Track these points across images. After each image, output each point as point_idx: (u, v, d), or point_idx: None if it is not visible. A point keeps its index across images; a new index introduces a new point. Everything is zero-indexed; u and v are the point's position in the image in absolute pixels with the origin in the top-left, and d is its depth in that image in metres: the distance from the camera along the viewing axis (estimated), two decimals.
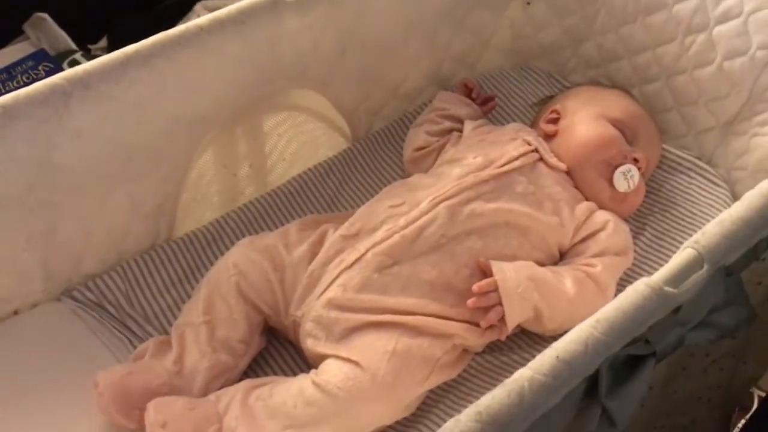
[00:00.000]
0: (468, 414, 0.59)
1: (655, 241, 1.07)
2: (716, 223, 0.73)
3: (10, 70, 1.56)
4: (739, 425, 1.27)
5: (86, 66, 0.89)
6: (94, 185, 0.96)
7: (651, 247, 1.07)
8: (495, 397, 0.59)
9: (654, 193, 1.12)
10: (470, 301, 0.88)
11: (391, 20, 1.16)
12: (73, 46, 1.59)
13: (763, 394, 1.33)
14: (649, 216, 1.10)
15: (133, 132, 0.95)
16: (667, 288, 0.68)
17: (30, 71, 1.57)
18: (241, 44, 0.99)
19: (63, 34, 1.58)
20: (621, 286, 0.92)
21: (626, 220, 1.05)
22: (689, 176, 1.13)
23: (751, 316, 0.82)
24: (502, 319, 0.89)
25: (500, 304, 0.88)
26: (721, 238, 0.72)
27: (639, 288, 0.68)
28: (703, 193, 1.11)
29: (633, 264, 1.03)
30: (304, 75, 1.10)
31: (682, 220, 1.09)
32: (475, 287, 0.88)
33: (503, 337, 0.91)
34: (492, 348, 0.96)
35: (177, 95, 0.97)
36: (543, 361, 0.62)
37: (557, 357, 0.62)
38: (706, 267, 0.71)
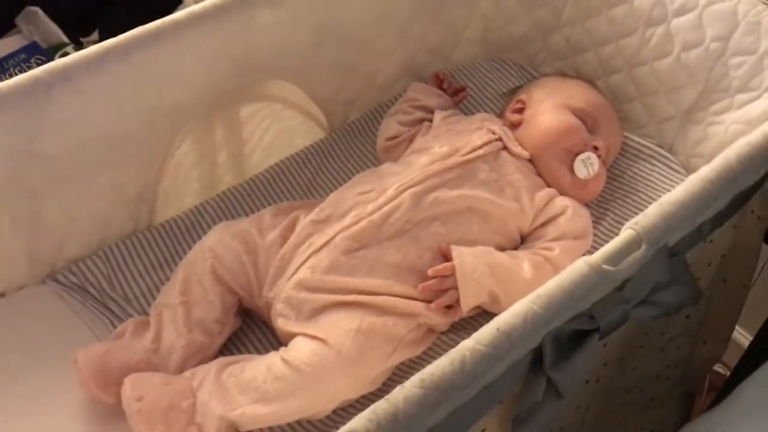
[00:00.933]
0: (413, 381, 0.63)
1: (616, 226, 1.12)
2: (656, 205, 0.78)
3: (2, 62, 1.58)
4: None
5: (67, 59, 0.93)
6: (76, 173, 1.00)
7: (612, 232, 1.11)
8: (438, 365, 0.64)
9: (616, 179, 1.17)
10: (422, 285, 0.93)
11: (366, 12, 1.19)
12: (65, 39, 1.61)
13: (728, 373, 1.37)
14: (611, 201, 1.14)
15: (113, 122, 1.00)
16: (605, 266, 0.73)
17: (22, 64, 1.60)
18: (216, 37, 1.03)
19: (55, 28, 1.61)
20: None
21: (588, 206, 1.10)
22: (651, 163, 1.18)
23: (695, 295, 0.86)
24: (457, 302, 0.93)
25: (456, 287, 0.93)
26: (659, 219, 0.76)
27: (578, 265, 0.73)
28: (664, 179, 1.16)
29: (593, 247, 1.07)
30: (280, 67, 1.14)
31: (643, 204, 1.13)
32: (430, 271, 0.93)
33: (457, 319, 0.96)
34: (456, 327, 1.00)
35: (155, 87, 1.01)
36: (484, 332, 0.67)
37: (497, 329, 0.67)
38: (644, 246, 0.75)
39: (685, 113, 1.14)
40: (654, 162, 1.18)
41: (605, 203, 1.15)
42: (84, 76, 0.94)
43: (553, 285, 0.71)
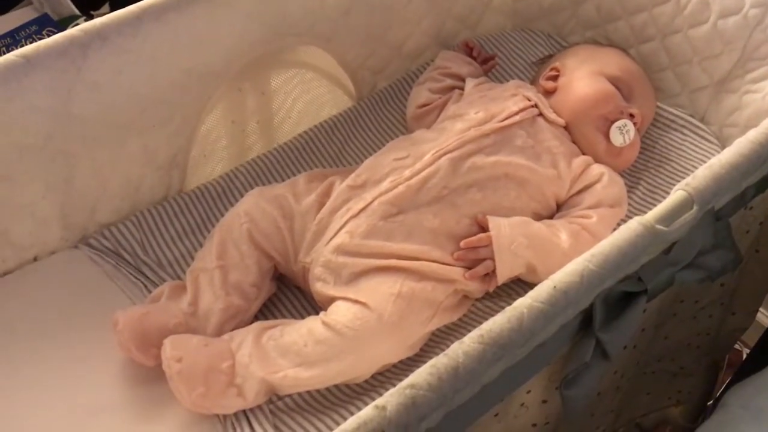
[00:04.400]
0: (471, 336, 0.63)
1: (649, 195, 1.11)
2: (706, 167, 0.77)
3: (14, 34, 1.56)
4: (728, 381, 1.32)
5: (103, 19, 0.92)
6: (109, 136, 0.99)
7: (645, 200, 1.11)
8: (496, 322, 0.64)
9: (649, 149, 1.16)
10: (456, 254, 0.93)
11: None
12: (77, 11, 1.60)
13: (748, 350, 1.38)
14: (644, 171, 1.14)
15: (147, 84, 0.99)
16: (658, 226, 0.73)
17: (34, 36, 1.57)
18: (250, 0, 1.02)
19: (66, 0, 1.59)
20: None
21: (622, 175, 1.09)
22: (683, 133, 1.17)
23: (737, 259, 0.86)
24: (493, 272, 0.93)
25: (492, 258, 0.93)
26: (710, 180, 0.76)
27: (632, 225, 0.72)
28: (696, 149, 1.15)
29: (627, 216, 1.06)
30: (311, 31, 1.13)
31: (676, 174, 1.13)
32: (463, 243, 0.93)
33: (491, 289, 0.96)
34: (491, 294, 1.00)
35: (189, 49, 1.00)
36: (541, 290, 0.66)
37: (554, 287, 0.67)
38: (695, 208, 0.75)
39: (719, 82, 1.14)
40: (686, 132, 1.17)
41: (637, 173, 1.14)
42: (120, 36, 0.93)
43: (607, 244, 0.71)
